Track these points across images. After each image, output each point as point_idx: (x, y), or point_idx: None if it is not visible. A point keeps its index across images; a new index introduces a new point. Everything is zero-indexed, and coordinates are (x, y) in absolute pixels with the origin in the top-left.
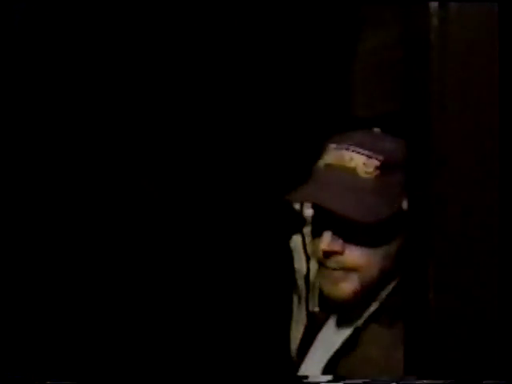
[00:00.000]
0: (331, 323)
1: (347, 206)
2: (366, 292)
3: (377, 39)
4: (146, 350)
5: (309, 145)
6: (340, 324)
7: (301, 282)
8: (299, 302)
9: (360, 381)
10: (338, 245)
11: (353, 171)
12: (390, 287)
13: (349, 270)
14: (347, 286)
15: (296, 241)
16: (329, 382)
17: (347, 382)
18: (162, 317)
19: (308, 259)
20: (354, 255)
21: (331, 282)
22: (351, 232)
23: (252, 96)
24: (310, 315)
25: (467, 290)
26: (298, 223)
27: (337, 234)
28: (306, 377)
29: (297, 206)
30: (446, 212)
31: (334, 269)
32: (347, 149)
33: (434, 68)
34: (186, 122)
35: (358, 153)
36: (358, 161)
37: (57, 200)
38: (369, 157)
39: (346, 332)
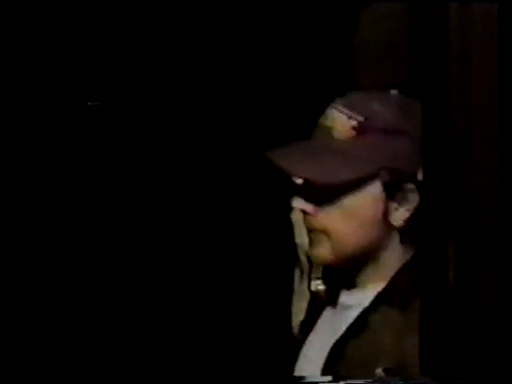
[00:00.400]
0: (335, 304)
1: (304, 167)
2: (348, 260)
3: (379, 12)
4: (143, 336)
5: (309, 115)
6: (345, 304)
7: (303, 258)
8: (301, 278)
9: (362, 381)
10: (309, 206)
11: (328, 131)
12: (397, 265)
13: (320, 232)
14: (319, 250)
15: (297, 214)
16: (329, 382)
17: (348, 381)
18: (161, 301)
19: None
20: (322, 218)
21: (309, 244)
22: (321, 195)
23: (253, 71)
24: (313, 293)
25: (491, 270)
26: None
27: (309, 196)
28: (304, 377)
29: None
30: (468, 185)
31: (310, 231)
32: (334, 107)
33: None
34: (184, 98)
35: (341, 112)
36: (337, 121)
37: (57, 200)
38: (349, 117)
39: (352, 314)
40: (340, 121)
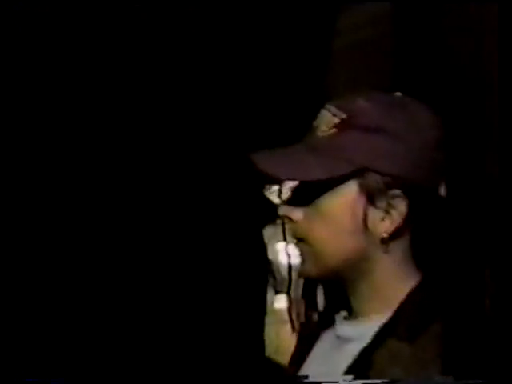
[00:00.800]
0: (331, 332)
1: (281, 167)
2: (333, 273)
3: (359, 16)
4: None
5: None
6: (343, 337)
7: (278, 275)
8: (274, 297)
9: (379, 381)
10: (295, 213)
11: (313, 129)
12: (397, 290)
13: (299, 240)
14: (303, 262)
15: (272, 230)
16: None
17: (366, 381)
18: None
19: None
20: (303, 224)
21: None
22: (301, 199)
23: (238, 76)
24: (305, 321)
25: None
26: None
27: (292, 200)
28: (306, 376)
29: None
30: (506, 208)
31: (295, 239)
32: (325, 107)
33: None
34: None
35: (328, 110)
36: (322, 119)
37: (56, 200)
38: (333, 114)
39: (353, 348)
40: (325, 119)
